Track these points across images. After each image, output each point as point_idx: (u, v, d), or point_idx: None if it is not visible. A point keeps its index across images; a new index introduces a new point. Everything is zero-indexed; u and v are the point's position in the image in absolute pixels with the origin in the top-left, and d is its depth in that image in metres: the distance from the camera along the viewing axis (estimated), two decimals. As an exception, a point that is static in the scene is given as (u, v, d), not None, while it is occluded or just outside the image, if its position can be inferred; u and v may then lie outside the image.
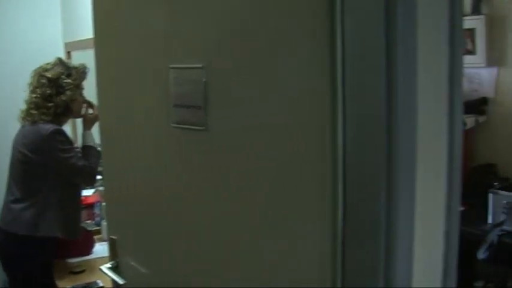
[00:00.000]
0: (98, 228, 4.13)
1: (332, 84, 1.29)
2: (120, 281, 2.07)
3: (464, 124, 3.42)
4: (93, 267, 3.55)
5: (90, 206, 4.28)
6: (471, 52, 3.59)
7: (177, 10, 1.74)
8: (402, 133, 1.21)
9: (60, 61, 3.54)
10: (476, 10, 3.54)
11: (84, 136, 3.63)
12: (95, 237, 3.99)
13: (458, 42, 1.33)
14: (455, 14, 1.32)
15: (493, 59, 3.55)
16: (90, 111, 3.64)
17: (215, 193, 1.69)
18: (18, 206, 3.36)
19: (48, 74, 3.40)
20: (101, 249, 3.75)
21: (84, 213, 4.00)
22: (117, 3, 2.05)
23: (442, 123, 1.34)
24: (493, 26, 3.51)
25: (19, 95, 3.52)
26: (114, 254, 2.20)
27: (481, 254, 2.81)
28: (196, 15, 1.67)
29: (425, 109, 1.26)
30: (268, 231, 1.54)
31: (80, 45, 4.74)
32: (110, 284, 2.27)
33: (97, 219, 4.22)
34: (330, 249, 1.33)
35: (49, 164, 3.34)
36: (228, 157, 1.63)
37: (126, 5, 2.00)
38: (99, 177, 3.36)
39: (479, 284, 3.19)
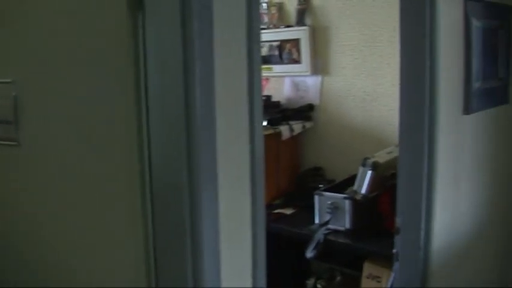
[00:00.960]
0: None
1: (137, 99, 1.34)
2: None
3: (292, 130, 3.58)
4: None
5: None
6: (297, 61, 3.76)
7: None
8: (202, 143, 1.29)
9: None
10: (300, 21, 3.73)
11: None
12: None
13: (257, 55, 1.43)
14: (252, 27, 1.41)
15: (317, 68, 3.75)
16: None
17: (31, 209, 1.64)
18: None
19: None
20: None
21: None
22: None
23: (243, 132, 1.42)
24: (317, 36, 3.71)
25: None
26: None
27: (309, 253, 2.93)
28: (6, 31, 1.61)
29: (225, 120, 1.35)
30: (86, 242, 1.53)
31: None
32: None
33: None
34: (142, 254, 1.37)
35: None
36: (42, 171, 1.59)
37: None
38: None
39: (311, 281, 3.34)
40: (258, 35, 1.45)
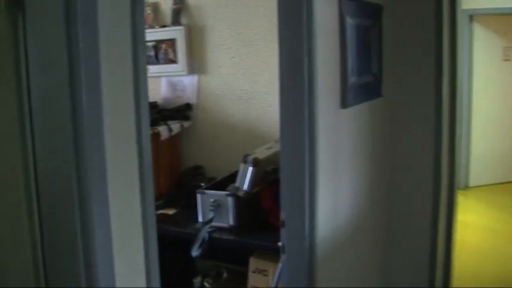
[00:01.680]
0: None
1: (19, 103, 1.32)
2: None
3: (171, 130, 3.57)
4: None
5: None
6: (173, 61, 3.76)
7: None
8: (90, 145, 1.29)
9: None
10: (176, 21, 3.72)
11: None
12: None
13: (142, 55, 1.44)
14: (137, 27, 1.42)
15: (194, 67, 3.76)
16: None
17: None
18: None
19: None
20: None
21: None
22: None
23: (131, 133, 1.44)
24: (193, 36, 3.73)
25: None
26: None
27: (195, 252, 2.94)
28: None
29: (112, 121, 1.36)
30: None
31: None
32: None
33: None
34: (31, 258, 1.37)
35: None
36: None
37: None
38: None
39: (198, 279, 3.35)
40: (143, 34, 1.45)
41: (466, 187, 7.25)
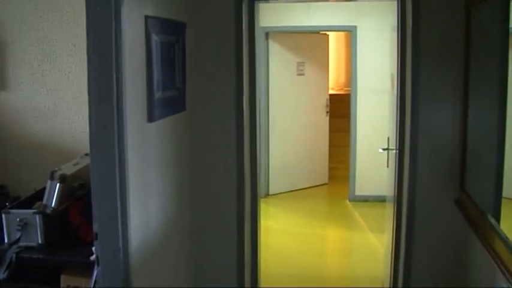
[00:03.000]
0: None
1: None
2: None
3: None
4: None
5: None
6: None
7: None
8: None
9: None
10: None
11: None
12: None
13: None
14: None
15: (-6, 83, 3.63)
16: None
17: None
18: None
19: None
20: None
21: None
22: None
23: None
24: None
25: None
26: None
27: (2, 274, 2.83)
28: None
29: None
30: None
31: None
32: None
33: None
34: None
35: None
36: None
37: None
38: None
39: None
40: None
41: (267, 195, 7.67)
